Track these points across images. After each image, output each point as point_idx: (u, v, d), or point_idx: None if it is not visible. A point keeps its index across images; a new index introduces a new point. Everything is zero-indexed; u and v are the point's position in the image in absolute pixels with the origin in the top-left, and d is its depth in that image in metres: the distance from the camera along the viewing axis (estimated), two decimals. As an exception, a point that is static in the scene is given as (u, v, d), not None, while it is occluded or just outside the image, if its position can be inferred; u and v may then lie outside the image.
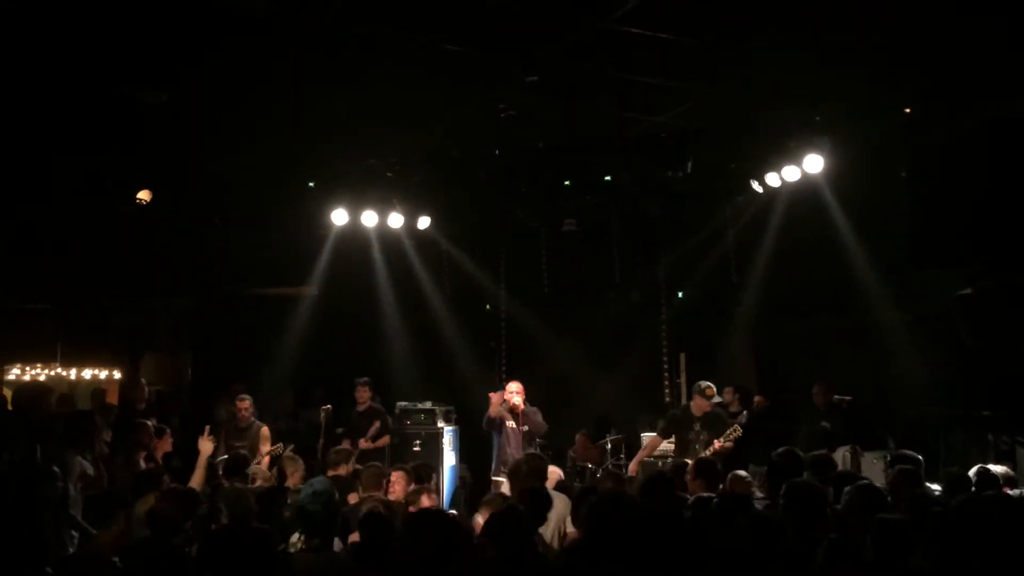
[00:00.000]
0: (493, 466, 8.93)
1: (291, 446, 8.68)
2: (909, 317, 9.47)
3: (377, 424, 9.85)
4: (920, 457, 6.38)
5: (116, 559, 4.42)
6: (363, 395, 9.97)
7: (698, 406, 8.47)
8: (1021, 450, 8.42)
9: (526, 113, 8.17)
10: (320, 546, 4.43)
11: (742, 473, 6.37)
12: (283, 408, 12.31)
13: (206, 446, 5.98)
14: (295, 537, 4.89)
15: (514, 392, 8.95)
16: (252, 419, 9.12)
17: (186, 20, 6.27)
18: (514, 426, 8.83)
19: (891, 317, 9.56)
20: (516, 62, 7.09)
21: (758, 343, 11.59)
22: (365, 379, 10.06)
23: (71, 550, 5.48)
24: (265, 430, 9.06)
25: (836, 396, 9.45)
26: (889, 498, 4.86)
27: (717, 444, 8.05)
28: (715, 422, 8.36)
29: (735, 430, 8.14)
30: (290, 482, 6.97)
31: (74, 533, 5.78)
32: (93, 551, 4.60)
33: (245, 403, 9.12)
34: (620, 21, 6.38)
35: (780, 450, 6.13)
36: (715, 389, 8.56)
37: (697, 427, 8.39)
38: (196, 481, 5.72)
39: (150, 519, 4.76)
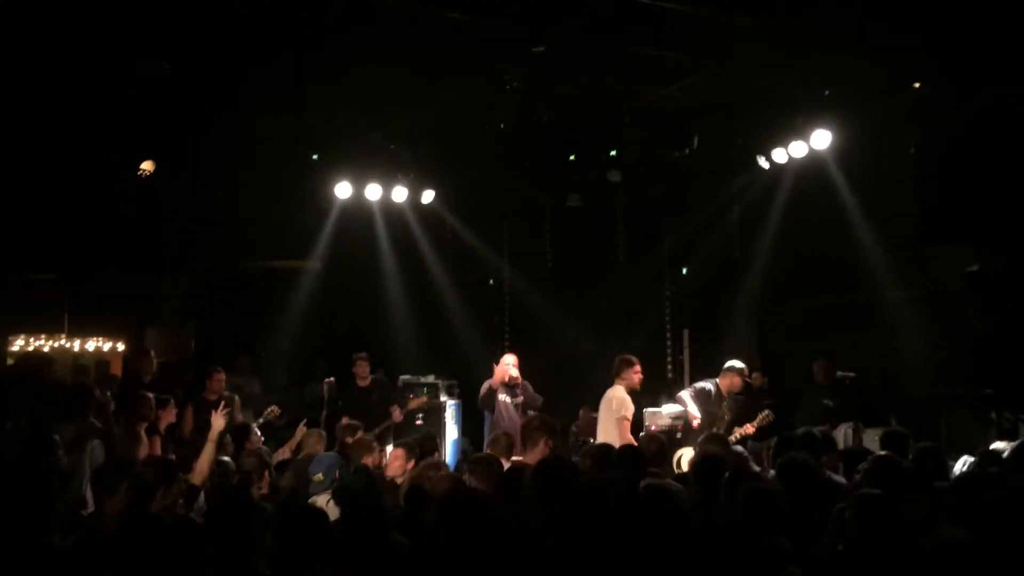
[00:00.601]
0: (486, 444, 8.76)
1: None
2: (914, 295, 9.44)
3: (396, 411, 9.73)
4: (908, 432, 6.39)
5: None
6: (364, 370, 9.91)
7: (730, 385, 8.34)
8: (1024, 428, 8.44)
9: (532, 86, 8.12)
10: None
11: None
12: (276, 380, 12.35)
13: (219, 421, 5.94)
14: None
15: (510, 364, 8.91)
16: (223, 391, 8.96)
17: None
18: (508, 400, 8.79)
19: (896, 295, 9.54)
20: (523, 33, 7.03)
21: (762, 320, 11.58)
22: (364, 354, 10.01)
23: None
24: (237, 400, 8.96)
25: (840, 372, 9.45)
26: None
27: (749, 428, 7.92)
28: (743, 407, 8.25)
29: (766, 416, 7.99)
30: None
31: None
32: (100, 521, 4.60)
33: (219, 376, 8.89)
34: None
35: (801, 431, 6.09)
36: (748, 370, 8.41)
37: (724, 406, 8.29)
38: (207, 456, 5.67)
39: (130, 486, 4.75)
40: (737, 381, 8.33)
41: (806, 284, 10.57)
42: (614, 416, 7.75)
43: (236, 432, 7.27)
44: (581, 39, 7.24)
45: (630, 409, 7.80)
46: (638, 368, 8.08)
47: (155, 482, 4.67)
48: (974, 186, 8.41)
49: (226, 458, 6.36)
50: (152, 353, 9.59)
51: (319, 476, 5.81)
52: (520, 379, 8.88)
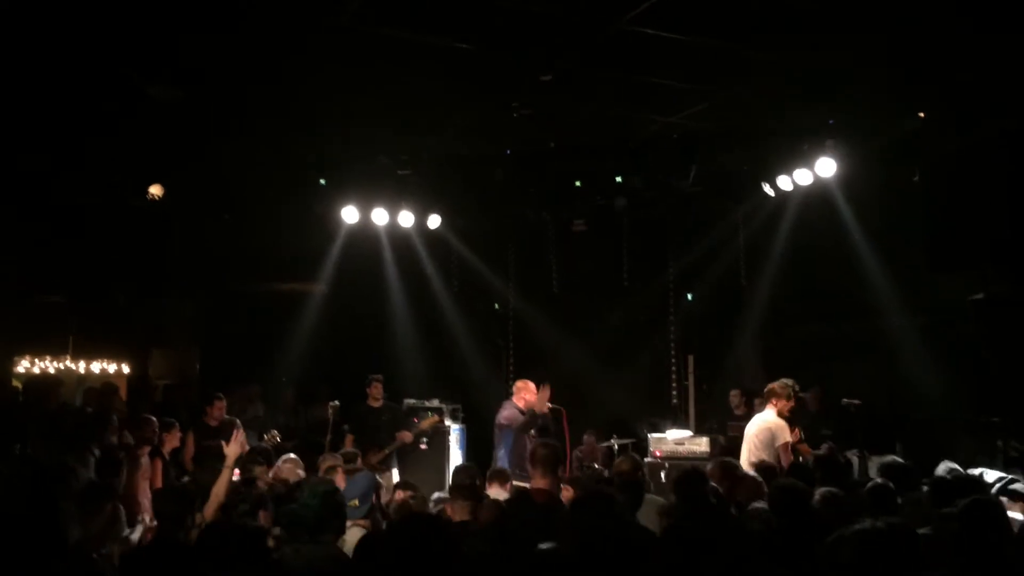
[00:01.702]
0: (508, 469, 8.56)
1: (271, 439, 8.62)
2: (920, 322, 9.43)
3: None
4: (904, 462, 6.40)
5: (104, 551, 4.45)
6: (378, 391, 9.86)
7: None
8: (1030, 457, 8.40)
9: (539, 113, 8.17)
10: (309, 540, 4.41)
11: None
12: (284, 404, 12.34)
13: (233, 449, 5.92)
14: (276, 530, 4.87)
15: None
16: (224, 417, 8.93)
17: (202, 17, 6.29)
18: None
19: (902, 322, 9.53)
20: (530, 61, 7.09)
21: (767, 346, 11.56)
22: (380, 375, 9.97)
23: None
24: (239, 423, 8.92)
25: (845, 400, 9.41)
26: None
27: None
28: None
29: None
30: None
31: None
32: (84, 543, 4.61)
33: (220, 403, 8.88)
34: (634, 22, 6.38)
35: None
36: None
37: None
38: (223, 484, 5.64)
39: (156, 516, 4.80)
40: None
41: (811, 311, 10.58)
42: (775, 444, 7.58)
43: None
44: (588, 68, 7.30)
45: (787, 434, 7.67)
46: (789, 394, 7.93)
47: (181, 512, 4.69)
48: (980, 214, 8.43)
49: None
50: (119, 392, 9.55)
51: (355, 502, 5.51)
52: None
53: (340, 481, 5.94)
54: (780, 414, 7.81)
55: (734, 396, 10.84)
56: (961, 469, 6.55)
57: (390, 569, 3.42)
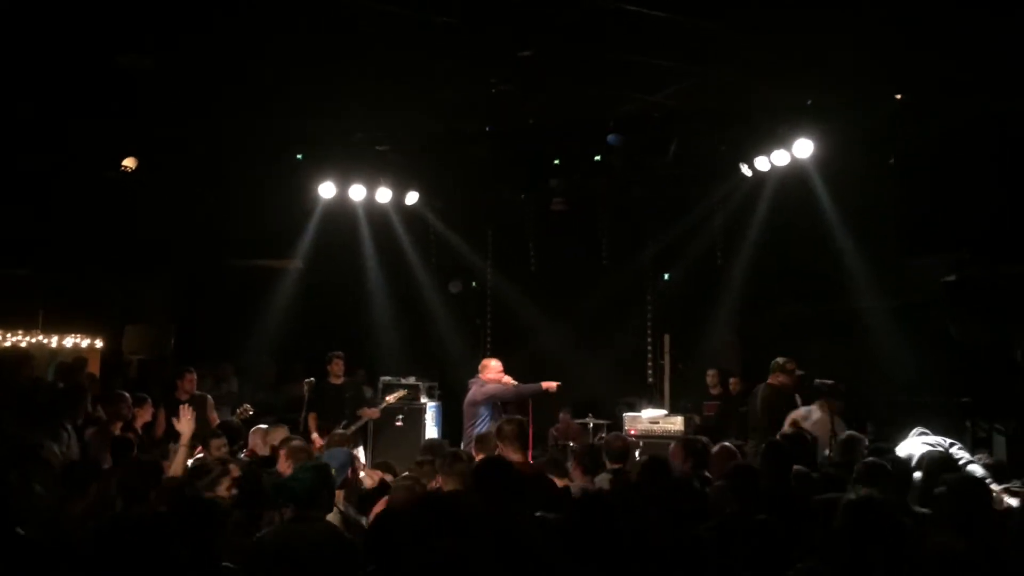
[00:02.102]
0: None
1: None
2: (893, 304, 9.53)
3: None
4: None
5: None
6: (338, 368, 9.82)
7: (783, 383, 8.21)
8: (998, 437, 8.52)
9: (517, 90, 8.13)
10: (301, 517, 4.40)
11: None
12: (265, 379, 12.31)
13: (185, 426, 5.89)
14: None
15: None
16: (194, 392, 8.87)
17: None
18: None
19: (875, 304, 9.63)
20: (510, 37, 7.04)
21: (742, 327, 11.65)
22: (340, 352, 9.92)
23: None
24: (210, 399, 8.88)
25: (817, 380, 9.50)
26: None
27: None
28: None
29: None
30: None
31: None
32: (65, 521, 4.58)
33: (191, 376, 8.78)
34: (615, -1, 6.35)
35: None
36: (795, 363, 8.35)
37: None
38: (179, 460, 5.62)
39: (119, 489, 4.76)
40: (783, 378, 8.20)
41: (787, 291, 10.65)
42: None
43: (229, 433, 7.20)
44: (567, 45, 7.26)
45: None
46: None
47: (143, 486, 4.67)
48: (954, 197, 8.50)
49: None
50: (88, 367, 9.44)
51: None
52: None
53: (282, 463, 5.94)
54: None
55: (711, 376, 10.92)
56: (931, 435, 6.68)
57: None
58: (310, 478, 4.48)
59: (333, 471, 5.47)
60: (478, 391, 8.51)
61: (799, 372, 8.18)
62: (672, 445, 6.59)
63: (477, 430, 8.46)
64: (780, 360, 8.19)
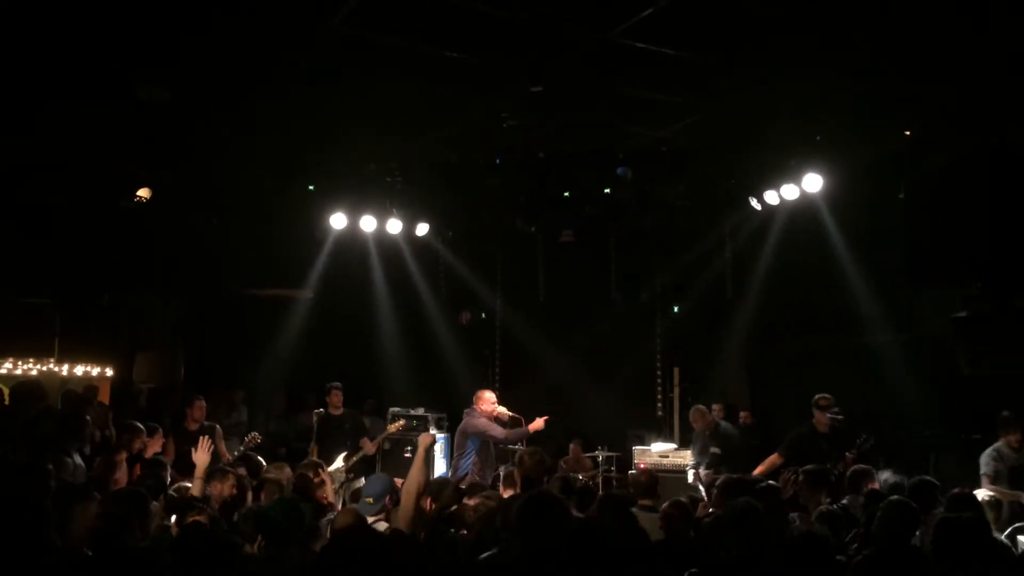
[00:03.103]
0: (478, 475, 8.40)
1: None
2: (903, 338, 9.50)
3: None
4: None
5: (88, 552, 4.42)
6: (337, 399, 9.82)
7: (820, 421, 8.19)
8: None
9: (528, 123, 8.20)
10: (278, 554, 4.39)
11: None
12: (276, 410, 12.31)
13: (202, 457, 5.88)
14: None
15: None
16: (203, 421, 8.87)
17: (193, 19, 6.29)
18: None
19: (885, 337, 9.59)
20: (522, 72, 7.12)
21: (751, 359, 11.61)
22: (338, 383, 9.92)
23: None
24: (219, 429, 8.86)
25: (829, 414, 9.46)
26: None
27: (849, 456, 7.67)
28: (840, 436, 8.05)
29: (867, 440, 7.78)
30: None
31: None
32: (64, 547, 4.58)
33: (200, 404, 8.75)
34: (625, 35, 6.42)
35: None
36: (830, 400, 8.33)
37: (824, 444, 8.04)
38: (195, 491, 5.60)
39: (103, 519, 4.75)
40: (820, 416, 8.20)
41: (796, 325, 10.63)
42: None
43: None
44: (578, 80, 7.34)
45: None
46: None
47: (126, 514, 4.64)
48: (963, 231, 8.50)
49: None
50: (98, 397, 9.48)
51: (369, 499, 5.68)
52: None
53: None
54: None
55: (716, 410, 10.88)
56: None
57: None
58: (279, 512, 4.49)
59: (371, 498, 5.55)
60: (468, 422, 8.48)
61: (826, 412, 8.14)
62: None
63: (464, 461, 8.46)
64: (815, 397, 8.23)
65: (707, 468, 8.94)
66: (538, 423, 8.39)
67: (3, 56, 6.80)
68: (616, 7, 6.12)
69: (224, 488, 5.90)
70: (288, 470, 6.97)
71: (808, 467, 6.76)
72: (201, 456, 5.86)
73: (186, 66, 7.17)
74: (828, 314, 10.07)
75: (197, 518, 4.85)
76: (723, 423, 9.50)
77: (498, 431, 8.48)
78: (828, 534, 5.01)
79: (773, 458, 8.20)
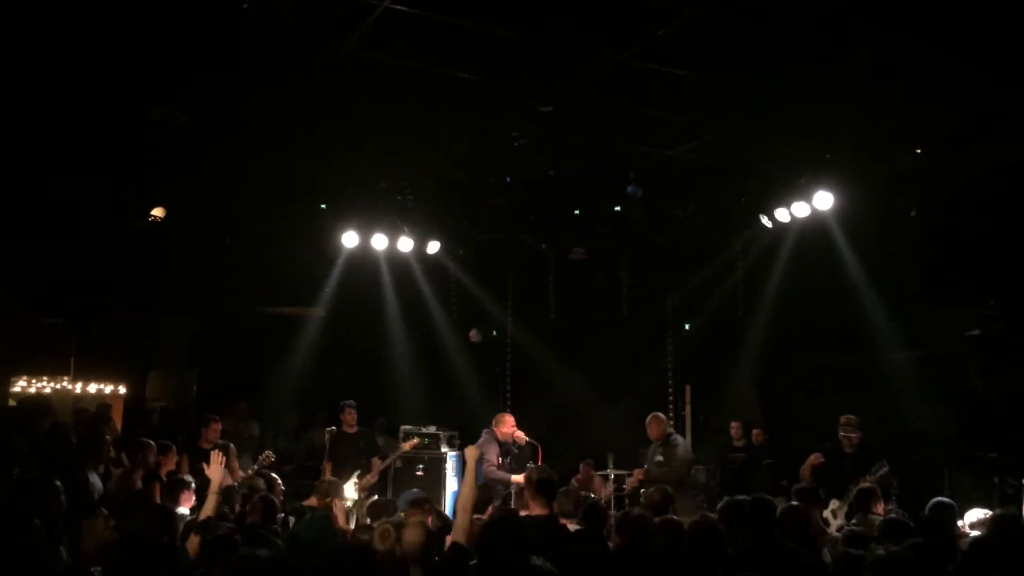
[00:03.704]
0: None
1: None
2: (916, 356, 9.45)
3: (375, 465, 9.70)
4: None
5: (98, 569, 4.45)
6: (351, 417, 9.84)
7: (843, 441, 8.17)
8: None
9: (539, 142, 8.24)
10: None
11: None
12: (286, 427, 12.33)
13: (215, 473, 5.89)
14: None
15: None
16: (217, 441, 8.89)
17: (207, 41, 6.36)
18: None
19: (898, 356, 9.54)
20: (532, 92, 7.16)
21: (763, 378, 11.56)
22: (351, 401, 9.94)
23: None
24: (232, 448, 8.87)
25: (842, 433, 9.42)
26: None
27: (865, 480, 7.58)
28: (863, 457, 7.99)
29: (881, 466, 7.72)
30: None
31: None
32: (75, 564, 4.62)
33: (216, 426, 8.81)
34: (636, 57, 6.45)
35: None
36: (849, 420, 8.31)
37: (847, 463, 8.04)
38: (209, 508, 5.62)
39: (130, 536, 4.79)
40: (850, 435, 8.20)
41: (808, 343, 10.58)
42: None
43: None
44: (588, 100, 7.38)
45: None
46: None
47: (159, 531, 4.68)
48: (976, 249, 8.47)
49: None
50: (111, 415, 9.55)
51: (402, 514, 5.89)
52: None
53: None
54: None
55: (735, 428, 10.83)
56: None
57: None
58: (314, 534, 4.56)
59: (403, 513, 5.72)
60: (481, 440, 8.60)
61: (839, 431, 8.13)
62: None
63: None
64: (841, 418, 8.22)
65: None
66: (519, 478, 8.08)
67: (19, 82, 6.88)
68: (628, 29, 6.16)
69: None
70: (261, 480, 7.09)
71: (800, 485, 6.76)
72: (215, 471, 5.87)
73: (200, 88, 7.25)
74: (840, 332, 10.02)
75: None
76: (676, 435, 9.32)
77: (492, 459, 8.64)
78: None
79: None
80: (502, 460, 8.80)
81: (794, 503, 5.89)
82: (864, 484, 6.83)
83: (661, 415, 9.33)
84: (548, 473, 6.15)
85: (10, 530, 4.22)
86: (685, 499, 8.32)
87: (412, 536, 4.64)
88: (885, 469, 7.64)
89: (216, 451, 6.15)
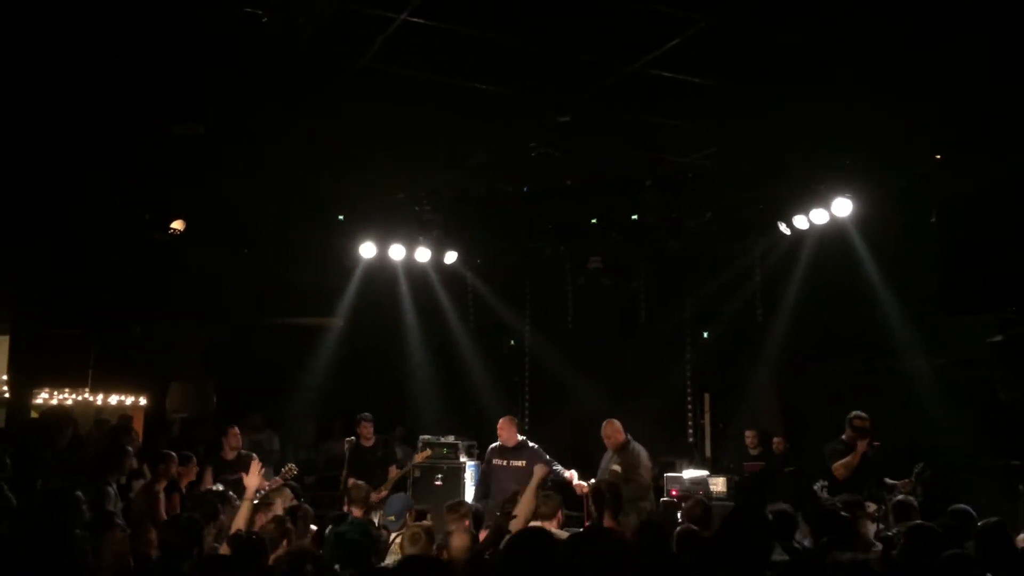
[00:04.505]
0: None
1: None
2: (937, 363, 9.38)
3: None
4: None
5: None
6: (367, 430, 9.88)
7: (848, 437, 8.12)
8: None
9: (556, 152, 8.25)
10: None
11: None
12: (304, 438, 12.37)
13: (252, 480, 5.91)
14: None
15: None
16: (240, 449, 8.95)
17: (225, 53, 6.42)
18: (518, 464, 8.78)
19: (919, 363, 9.48)
20: (549, 102, 7.19)
21: (783, 385, 11.51)
22: (368, 414, 9.99)
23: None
24: (256, 457, 8.91)
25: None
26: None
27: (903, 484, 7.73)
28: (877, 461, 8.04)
29: (925, 469, 7.87)
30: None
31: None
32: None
33: (235, 432, 8.91)
34: (650, 65, 6.46)
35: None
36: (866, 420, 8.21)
37: (864, 466, 7.98)
38: (243, 516, 5.65)
39: (160, 546, 4.84)
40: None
41: (828, 350, 10.53)
42: None
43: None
44: (605, 109, 7.39)
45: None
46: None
47: (187, 543, 4.71)
48: (996, 255, 8.41)
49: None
50: (133, 427, 9.62)
51: (392, 516, 6.18)
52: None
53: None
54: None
55: (750, 437, 10.79)
56: None
57: None
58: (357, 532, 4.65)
59: (393, 516, 6.10)
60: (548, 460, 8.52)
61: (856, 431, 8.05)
62: None
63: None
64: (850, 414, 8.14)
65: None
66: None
67: (37, 94, 6.97)
68: (643, 38, 6.17)
69: (265, 519, 5.96)
70: (288, 492, 7.10)
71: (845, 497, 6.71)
72: (252, 480, 5.88)
73: (218, 100, 7.31)
74: (859, 339, 9.97)
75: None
76: (634, 443, 8.99)
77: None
78: None
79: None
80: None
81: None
82: (901, 496, 6.77)
83: (617, 422, 9.04)
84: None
85: (43, 541, 4.26)
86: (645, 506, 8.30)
87: (460, 542, 4.76)
88: (929, 473, 7.68)
89: (255, 459, 6.18)
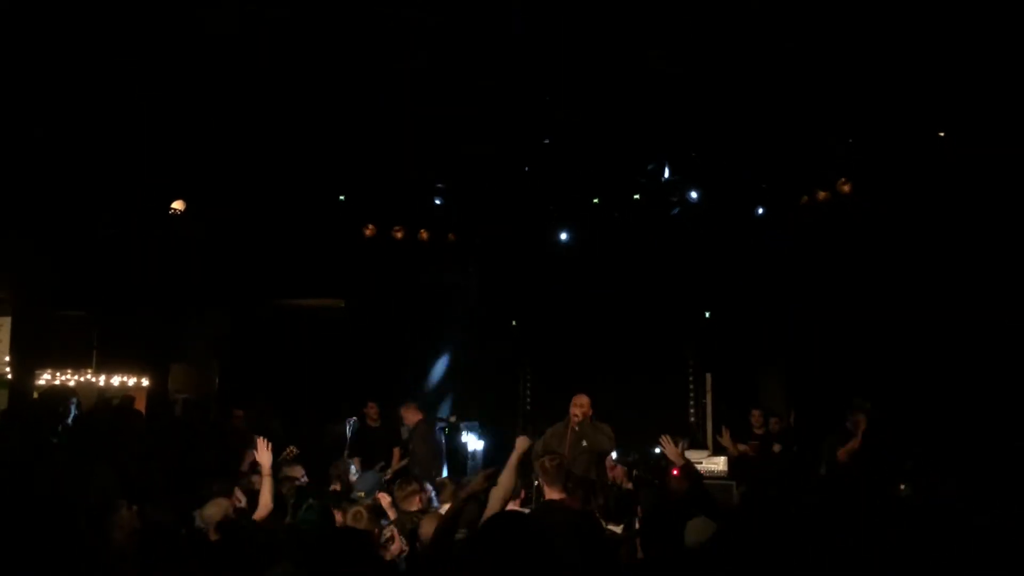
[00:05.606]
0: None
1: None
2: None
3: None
4: None
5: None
6: (374, 411, 9.96)
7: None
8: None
9: (559, 137, 8.26)
10: None
11: None
12: (307, 418, 12.37)
13: (265, 457, 5.92)
14: None
15: None
16: (244, 431, 8.99)
17: (231, 34, 6.40)
18: None
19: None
20: (550, 92, 7.20)
21: (787, 366, 11.51)
22: (373, 400, 10.07)
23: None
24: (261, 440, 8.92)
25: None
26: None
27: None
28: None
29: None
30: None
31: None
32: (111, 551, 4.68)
33: (238, 413, 8.98)
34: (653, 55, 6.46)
35: None
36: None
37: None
38: (267, 490, 5.67)
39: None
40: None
41: (831, 331, 10.51)
42: None
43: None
44: (607, 97, 7.38)
45: None
46: None
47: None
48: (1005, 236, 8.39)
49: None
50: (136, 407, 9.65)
51: (361, 493, 6.25)
52: None
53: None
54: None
55: (755, 416, 10.78)
56: None
57: None
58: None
59: (363, 492, 6.14)
60: None
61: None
62: None
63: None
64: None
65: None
66: None
67: (43, 81, 6.95)
68: (644, 27, 6.15)
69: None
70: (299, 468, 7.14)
71: None
72: (263, 456, 5.89)
73: (223, 81, 7.29)
74: (866, 322, 9.95)
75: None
76: (594, 421, 8.43)
77: None
78: None
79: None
80: None
81: None
82: None
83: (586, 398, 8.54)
84: (560, 459, 6.04)
85: (53, 518, 4.28)
86: None
87: (429, 528, 4.71)
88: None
89: (262, 438, 6.18)
